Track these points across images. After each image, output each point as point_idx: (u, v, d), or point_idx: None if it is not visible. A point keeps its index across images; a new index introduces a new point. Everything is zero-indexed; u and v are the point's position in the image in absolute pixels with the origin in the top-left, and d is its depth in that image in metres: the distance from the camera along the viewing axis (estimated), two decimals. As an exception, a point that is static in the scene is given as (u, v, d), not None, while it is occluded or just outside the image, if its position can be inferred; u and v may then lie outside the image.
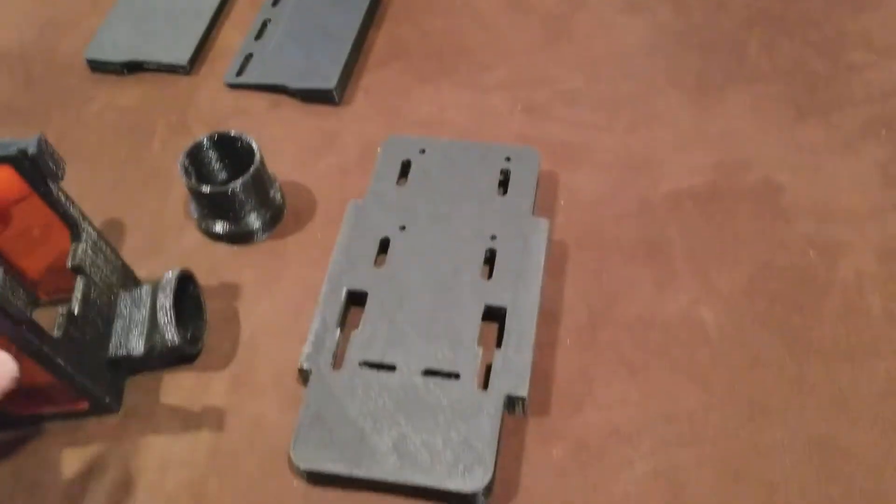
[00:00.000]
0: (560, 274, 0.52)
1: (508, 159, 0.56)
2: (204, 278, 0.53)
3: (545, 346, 0.49)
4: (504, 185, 0.55)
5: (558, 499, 0.43)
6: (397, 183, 0.56)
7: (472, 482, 0.42)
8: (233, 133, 0.55)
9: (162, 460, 0.46)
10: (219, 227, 0.55)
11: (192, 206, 0.56)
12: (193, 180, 0.53)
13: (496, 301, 0.49)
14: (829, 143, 0.57)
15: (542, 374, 0.48)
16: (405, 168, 0.57)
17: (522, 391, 0.45)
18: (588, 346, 0.49)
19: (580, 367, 0.48)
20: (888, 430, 0.44)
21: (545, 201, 0.56)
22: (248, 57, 0.66)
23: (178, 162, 0.53)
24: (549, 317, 0.51)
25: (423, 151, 0.57)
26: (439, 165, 0.56)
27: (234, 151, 0.55)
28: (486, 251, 0.52)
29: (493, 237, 0.52)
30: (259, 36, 0.68)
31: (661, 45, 0.65)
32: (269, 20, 0.69)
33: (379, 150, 0.57)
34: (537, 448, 0.45)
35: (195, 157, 0.55)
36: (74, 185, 0.46)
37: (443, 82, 0.65)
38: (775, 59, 0.63)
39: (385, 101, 0.64)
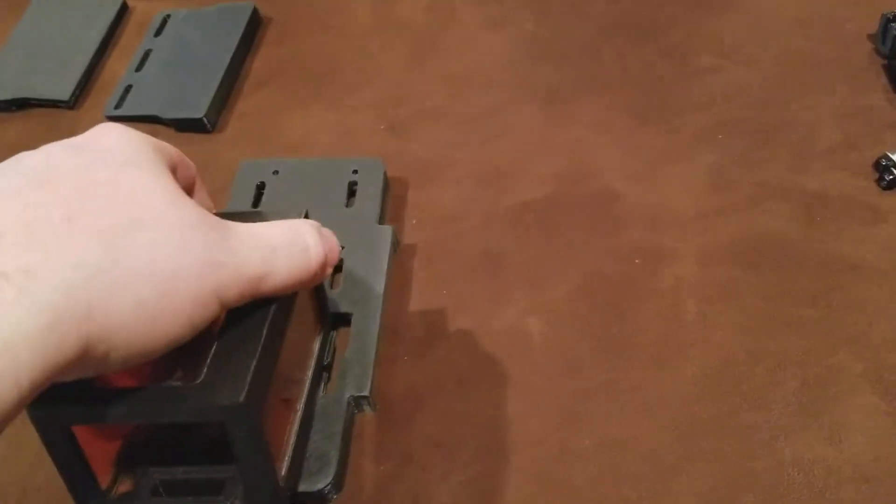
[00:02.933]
0: (405, 291, 0.55)
1: (355, 171, 0.59)
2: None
3: (385, 362, 0.52)
4: (353, 196, 0.58)
5: (379, 510, 0.47)
6: (253, 206, 0.59)
7: (316, 483, 0.45)
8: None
9: None
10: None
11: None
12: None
13: (343, 309, 0.52)
14: (667, 150, 0.60)
15: (377, 391, 0.51)
16: (260, 191, 0.59)
17: (364, 390, 0.49)
18: (423, 361, 0.52)
19: (413, 382, 0.51)
20: (685, 434, 0.47)
21: (397, 221, 0.59)
22: (128, 89, 0.69)
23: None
24: (391, 333, 0.53)
25: (276, 172, 0.60)
26: (291, 184, 0.59)
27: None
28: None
29: (341, 248, 0.55)
30: (140, 67, 0.70)
31: (520, 58, 0.67)
32: (151, 50, 0.72)
33: (235, 175, 0.60)
34: (367, 462, 0.48)
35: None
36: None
37: (313, 104, 0.67)
38: (626, 67, 0.65)
39: (257, 126, 0.67)
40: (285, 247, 0.36)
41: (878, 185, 0.55)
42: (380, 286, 0.53)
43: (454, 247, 0.57)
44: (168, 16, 0.74)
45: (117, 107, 0.68)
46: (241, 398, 0.34)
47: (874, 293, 0.51)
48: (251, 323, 0.36)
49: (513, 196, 0.59)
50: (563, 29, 0.69)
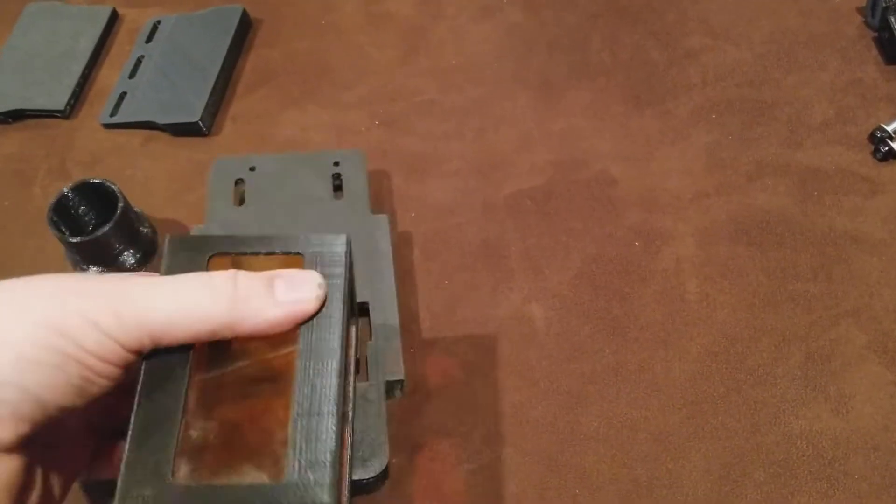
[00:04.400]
0: (408, 284, 0.55)
1: (337, 164, 0.59)
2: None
3: (391, 355, 0.52)
4: (338, 189, 0.58)
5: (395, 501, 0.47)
6: (236, 204, 0.58)
7: (371, 469, 0.45)
8: (94, 181, 0.58)
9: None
10: (94, 270, 0.59)
11: (66, 254, 0.59)
12: (64, 231, 0.56)
13: (357, 299, 0.51)
14: (662, 132, 0.60)
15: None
16: (239, 189, 0.59)
17: (399, 374, 0.49)
18: (429, 352, 0.52)
19: (421, 374, 0.51)
20: (694, 412, 0.47)
21: (397, 214, 0.59)
22: (122, 96, 0.69)
23: (45, 216, 0.56)
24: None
25: (252, 169, 0.59)
26: (272, 180, 0.59)
27: (100, 196, 0.58)
28: None
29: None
30: (133, 74, 0.70)
31: (510, 47, 0.67)
32: (143, 57, 0.72)
33: (209, 174, 0.59)
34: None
35: (63, 209, 0.58)
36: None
37: (306, 104, 0.67)
38: (616, 52, 0.65)
39: (252, 128, 0.67)
40: (182, 279, 0.33)
41: (874, 156, 0.56)
42: (389, 272, 0.53)
43: (454, 238, 0.57)
44: (158, 22, 0.74)
45: (112, 114, 0.68)
46: (326, 499, 0.32)
47: (874, 264, 0.51)
48: (321, 390, 0.34)
49: (510, 185, 0.59)
50: (553, 17, 0.69)
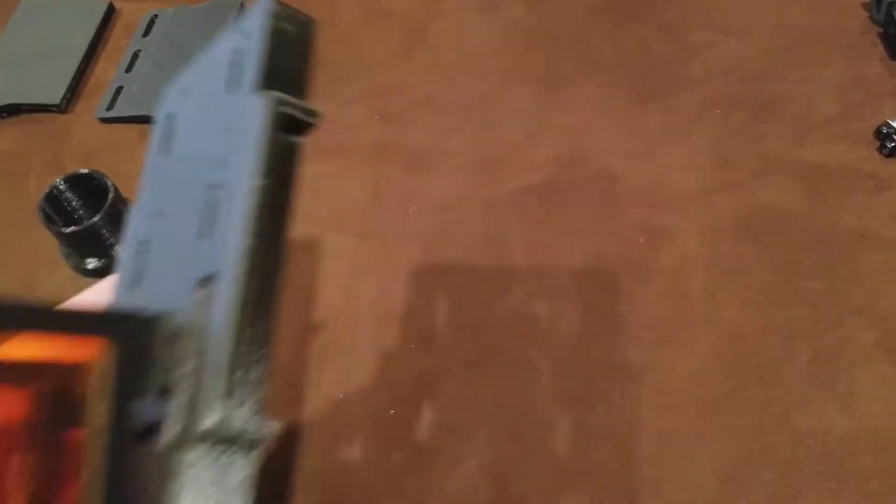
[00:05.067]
0: (408, 279, 0.55)
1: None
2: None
3: (393, 351, 0.52)
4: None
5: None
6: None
7: None
8: (85, 171, 0.57)
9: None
10: (88, 263, 0.58)
11: (60, 249, 0.58)
12: (57, 222, 0.56)
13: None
14: (666, 128, 0.59)
15: (387, 380, 0.50)
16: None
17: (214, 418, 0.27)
18: (430, 348, 0.52)
19: (422, 370, 0.51)
20: (700, 412, 0.47)
21: (397, 209, 0.58)
22: (119, 90, 0.68)
23: (36, 207, 0.56)
24: (395, 323, 0.53)
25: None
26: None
27: (92, 188, 0.58)
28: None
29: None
30: (129, 68, 0.70)
31: (512, 42, 0.67)
32: (140, 51, 0.71)
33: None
34: (377, 452, 0.48)
35: (55, 201, 0.57)
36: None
37: (305, 98, 0.66)
38: (619, 47, 0.64)
39: (250, 122, 0.66)
40: None
41: (880, 153, 0.55)
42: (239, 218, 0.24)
43: (455, 233, 0.57)
44: (156, 15, 0.73)
45: (109, 109, 0.67)
46: None
47: (880, 261, 0.51)
48: None
49: (512, 181, 0.58)
50: (554, 11, 0.68)
